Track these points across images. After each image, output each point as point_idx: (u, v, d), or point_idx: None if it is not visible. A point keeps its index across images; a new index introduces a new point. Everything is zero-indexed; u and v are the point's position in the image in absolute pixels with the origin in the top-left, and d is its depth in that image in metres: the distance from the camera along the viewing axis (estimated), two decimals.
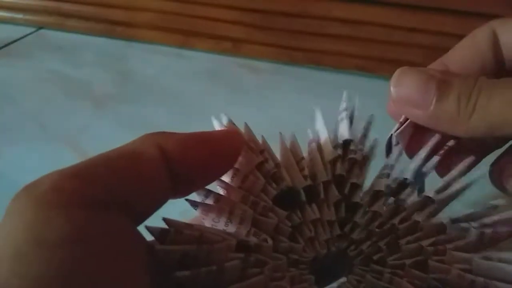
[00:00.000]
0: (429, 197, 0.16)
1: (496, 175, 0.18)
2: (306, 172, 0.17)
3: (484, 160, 0.19)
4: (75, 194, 0.11)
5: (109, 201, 0.12)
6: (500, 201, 0.15)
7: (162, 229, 0.13)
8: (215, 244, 0.14)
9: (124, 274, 0.11)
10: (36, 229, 0.10)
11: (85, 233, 0.11)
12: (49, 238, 0.10)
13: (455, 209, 0.16)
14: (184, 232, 0.14)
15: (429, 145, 0.18)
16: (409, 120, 0.18)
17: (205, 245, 0.13)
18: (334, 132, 0.19)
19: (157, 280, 0.12)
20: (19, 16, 0.61)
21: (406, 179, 0.17)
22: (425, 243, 0.15)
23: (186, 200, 0.15)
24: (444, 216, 0.16)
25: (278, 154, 0.18)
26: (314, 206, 0.17)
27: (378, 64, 0.48)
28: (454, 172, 0.17)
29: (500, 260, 0.14)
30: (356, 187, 0.18)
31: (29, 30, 0.61)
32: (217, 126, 0.18)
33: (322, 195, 0.17)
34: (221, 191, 0.16)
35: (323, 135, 0.19)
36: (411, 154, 0.18)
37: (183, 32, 0.55)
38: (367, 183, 0.18)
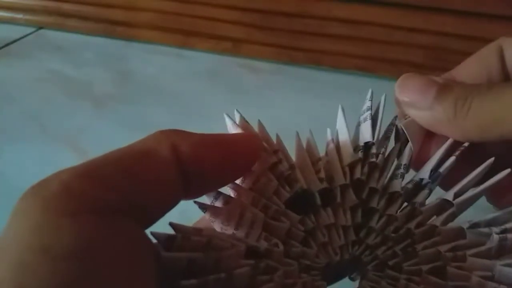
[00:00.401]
0: (447, 200, 0.16)
1: (494, 197, 0.18)
2: (322, 174, 0.17)
3: None
4: (85, 197, 0.11)
5: (119, 204, 0.11)
6: None
7: (169, 235, 0.13)
8: (223, 251, 0.13)
9: (132, 285, 0.11)
10: (42, 236, 0.10)
11: (94, 243, 0.10)
12: (55, 247, 0.10)
13: (469, 213, 0.16)
14: (192, 238, 0.13)
15: (446, 145, 0.17)
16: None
17: (213, 252, 0.13)
18: (355, 133, 0.18)
19: None
20: (19, 16, 0.61)
21: (422, 179, 0.17)
22: (443, 248, 0.15)
23: (195, 202, 0.15)
24: (462, 220, 0.16)
25: (293, 153, 0.17)
26: (329, 210, 0.16)
27: (378, 64, 0.48)
28: (472, 175, 0.16)
29: None
30: (374, 191, 0.17)
31: (29, 30, 0.61)
32: (229, 125, 0.17)
33: (338, 199, 0.16)
34: (231, 192, 0.16)
35: (343, 136, 0.18)
36: (417, 167, 0.18)
37: (183, 32, 0.55)
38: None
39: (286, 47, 0.51)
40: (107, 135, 0.41)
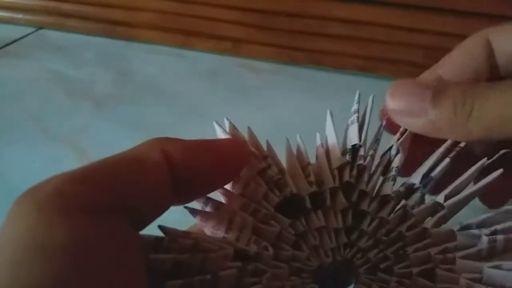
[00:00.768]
0: (438, 203, 0.16)
1: (486, 197, 0.18)
2: (312, 178, 0.17)
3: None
4: (78, 199, 0.11)
5: (111, 206, 0.12)
6: None
7: (157, 237, 0.13)
8: (210, 252, 0.13)
9: (124, 283, 0.11)
10: (37, 235, 0.10)
11: (87, 241, 0.11)
12: (50, 245, 0.10)
13: (464, 214, 0.16)
14: (179, 240, 0.13)
15: (441, 149, 0.17)
16: (408, 131, 0.18)
17: (200, 254, 0.13)
18: (343, 136, 0.18)
19: None
20: (19, 16, 0.61)
21: (414, 184, 0.17)
22: (433, 251, 0.15)
23: (185, 207, 0.15)
24: (454, 222, 0.16)
25: (283, 158, 0.18)
26: (319, 213, 0.16)
27: (378, 64, 0.48)
28: (464, 176, 0.16)
29: None
30: (365, 194, 0.17)
31: (29, 30, 0.61)
32: (219, 131, 0.17)
33: (328, 202, 0.17)
34: (222, 198, 0.16)
35: (332, 140, 0.18)
36: (406, 174, 0.18)
37: (183, 32, 0.55)
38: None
39: (286, 47, 0.51)
40: (107, 135, 0.41)
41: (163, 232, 0.14)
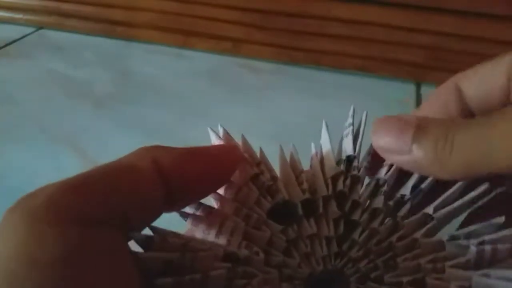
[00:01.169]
0: (428, 214, 0.16)
1: None
2: (305, 186, 0.17)
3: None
4: (70, 210, 0.11)
5: (102, 216, 0.12)
6: (500, 219, 0.15)
7: (147, 236, 0.13)
8: (199, 252, 0.13)
9: None
10: (28, 248, 0.10)
11: (79, 253, 0.11)
12: (41, 258, 0.10)
13: (454, 225, 0.16)
14: (169, 239, 0.13)
15: None
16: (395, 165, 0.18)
17: (190, 253, 0.13)
18: (338, 146, 0.19)
19: None
20: (19, 16, 0.62)
21: (403, 196, 0.17)
22: (423, 260, 0.15)
23: (177, 211, 0.15)
24: (443, 233, 0.16)
25: (277, 165, 0.18)
26: (311, 220, 0.17)
27: (378, 64, 0.48)
28: (453, 189, 0.16)
29: (500, 278, 0.14)
30: (357, 204, 0.17)
31: (29, 30, 0.61)
32: (213, 138, 0.17)
33: (321, 210, 0.17)
34: (214, 203, 0.16)
35: (326, 150, 0.18)
36: (371, 175, 0.18)
37: (183, 32, 0.55)
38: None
39: (286, 47, 0.51)
40: (107, 135, 0.41)
41: (153, 232, 0.14)
